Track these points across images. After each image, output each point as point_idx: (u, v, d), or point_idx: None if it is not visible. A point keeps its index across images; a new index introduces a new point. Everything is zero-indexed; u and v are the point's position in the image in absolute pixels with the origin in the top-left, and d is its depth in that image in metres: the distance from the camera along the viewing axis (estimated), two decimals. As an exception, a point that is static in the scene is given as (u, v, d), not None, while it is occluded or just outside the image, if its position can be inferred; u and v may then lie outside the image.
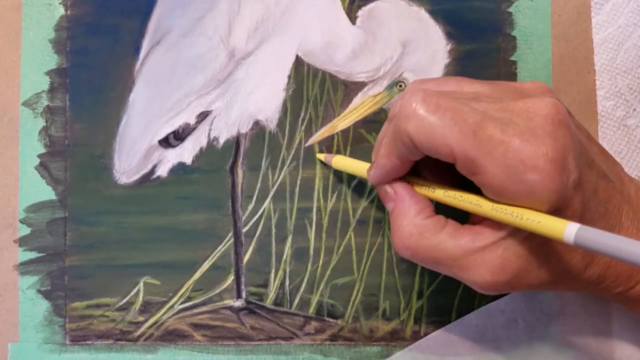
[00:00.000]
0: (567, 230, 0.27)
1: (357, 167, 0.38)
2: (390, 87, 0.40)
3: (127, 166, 0.41)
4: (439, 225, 0.32)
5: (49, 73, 0.41)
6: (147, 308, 0.40)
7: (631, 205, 0.32)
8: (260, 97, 0.41)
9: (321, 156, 0.40)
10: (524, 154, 0.28)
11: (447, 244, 0.32)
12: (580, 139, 0.31)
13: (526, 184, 0.29)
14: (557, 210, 0.29)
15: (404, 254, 0.33)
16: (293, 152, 0.41)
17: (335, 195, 0.41)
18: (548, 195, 0.29)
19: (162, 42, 0.41)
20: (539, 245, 0.31)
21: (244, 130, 0.41)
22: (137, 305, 0.40)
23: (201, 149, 0.41)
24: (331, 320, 0.40)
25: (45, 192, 0.41)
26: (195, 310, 0.40)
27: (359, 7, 0.41)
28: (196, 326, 0.40)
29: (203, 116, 0.41)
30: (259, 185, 0.41)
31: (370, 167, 0.36)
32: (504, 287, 0.31)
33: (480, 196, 0.31)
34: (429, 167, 0.35)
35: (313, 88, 0.41)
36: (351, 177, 0.41)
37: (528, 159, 0.28)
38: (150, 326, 0.40)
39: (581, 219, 0.30)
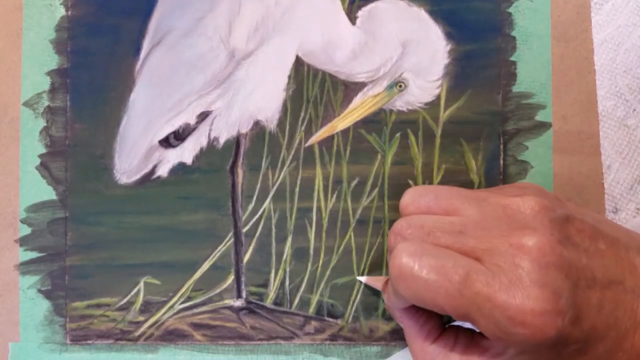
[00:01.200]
0: None
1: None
2: (390, 87, 0.41)
3: (127, 166, 0.41)
4: (448, 346, 0.34)
5: (49, 73, 0.41)
6: (148, 308, 0.40)
7: None
8: (260, 97, 0.41)
9: (362, 279, 0.41)
10: (510, 311, 0.29)
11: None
12: (577, 262, 0.31)
13: (518, 336, 0.29)
14: (557, 345, 0.30)
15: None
16: (293, 152, 0.41)
17: (335, 195, 0.41)
18: (543, 342, 0.29)
19: (162, 43, 0.41)
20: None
21: (244, 131, 0.41)
22: (138, 305, 0.40)
23: (201, 149, 0.41)
24: (331, 320, 0.40)
25: (46, 192, 0.41)
26: (195, 310, 0.41)
27: (359, 7, 0.41)
28: (196, 326, 0.40)
29: (203, 116, 0.41)
30: (259, 185, 0.41)
31: (383, 288, 0.38)
32: None
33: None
34: None
35: (313, 88, 0.41)
36: (351, 177, 0.41)
37: (515, 316, 0.29)
38: (151, 326, 0.40)
39: (587, 342, 0.30)
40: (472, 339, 0.34)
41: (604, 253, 0.31)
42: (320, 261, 0.40)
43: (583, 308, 0.30)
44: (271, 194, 0.41)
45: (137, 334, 0.40)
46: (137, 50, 0.41)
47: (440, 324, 0.35)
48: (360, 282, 0.40)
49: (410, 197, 0.35)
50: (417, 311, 0.35)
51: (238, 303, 0.41)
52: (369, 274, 0.40)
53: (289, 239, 0.41)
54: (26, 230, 0.41)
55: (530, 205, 0.32)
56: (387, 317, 0.40)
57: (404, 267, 0.31)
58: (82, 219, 0.41)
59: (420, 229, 0.33)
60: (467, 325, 0.34)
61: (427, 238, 0.32)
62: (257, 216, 0.41)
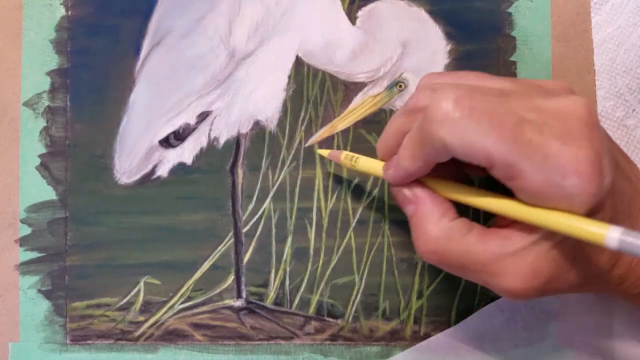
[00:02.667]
0: (610, 234, 0.26)
1: (370, 166, 0.36)
2: (390, 87, 0.41)
3: (127, 166, 0.41)
4: (465, 228, 0.31)
5: (49, 73, 0.41)
6: (148, 308, 0.40)
7: None
8: (260, 98, 0.41)
9: (324, 152, 0.40)
10: (565, 158, 0.28)
11: (476, 248, 0.30)
12: (607, 138, 0.31)
13: (566, 188, 0.28)
14: (591, 213, 0.29)
15: (430, 258, 0.32)
16: (293, 152, 0.41)
17: (335, 195, 0.41)
18: (587, 199, 0.28)
19: (162, 43, 0.41)
20: (570, 249, 0.30)
21: (244, 131, 0.41)
22: (138, 305, 0.40)
23: (201, 149, 0.41)
24: (331, 320, 0.40)
25: (46, 192, 0.41)
26: (195, 310, 0.41)
27: (359, 7, 0.41)
28: (196, 326, 0.40)
29: (203, 116, 0.41)
30: (259, 185, 0.41)
31: (387, 165, 0.34)
32: (534, 293, 0.30)
33: (513, 200, 0.30)
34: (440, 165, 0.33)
35: (313, 88, 0.41)
36: (351, 177, 0.41)
37: (569, 163, 0.28)
38: (151, 326, 0.40)
39: (611, 221, 0.29)
40: (488, 228, 0.32)
41: (619, 154, 0.33)
42: (320, 261, 0.40)
43: (614, 182, 0.29)
44: (271, 194, 0.41)
45: (137, 334, 0.40)
46: (137, 50, 0.41)
47: (456, 210, 0.32)
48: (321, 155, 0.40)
49: (435, 75, 0.33)
50: (432, 192, 0.33)
51: (238, 303, 0.41)
52: (369, 274, 0.40)
53: (289, 239, 0.41)
54: (26, 230, 0.41)
55: (564, 86, 0.31)
56: (387, 317, 0.40)
57: (452, 109, 0.28)
58: (82, 219, 0.41)
59: (457, 88, 0.30)
60: None
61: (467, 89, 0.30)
62: (257, 216, 0.41)
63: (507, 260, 0.30)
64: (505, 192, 0.30)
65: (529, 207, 0.29)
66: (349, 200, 0.41)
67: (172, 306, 0.41)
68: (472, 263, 0.31)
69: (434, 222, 0.31)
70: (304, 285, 0.41)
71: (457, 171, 0.34)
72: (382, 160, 0.35)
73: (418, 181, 0.33)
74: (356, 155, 0.37)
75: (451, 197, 0.32)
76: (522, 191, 0.29)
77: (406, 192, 0.33)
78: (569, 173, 0.28)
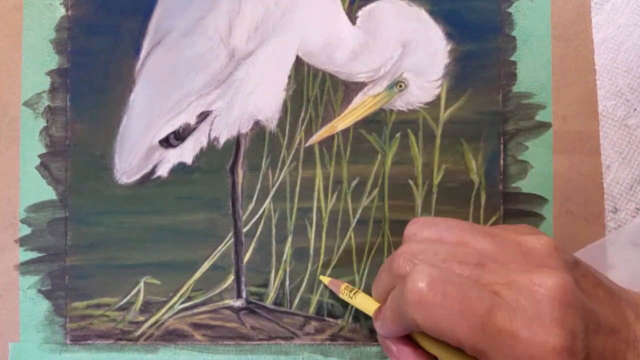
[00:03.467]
0: None
1: (364, 305, 0.37)
2: (390, 87, 0.40)
3: (127, 166, 0.41)
4: None
5: (49, 73, 0.41)
6: (148, 308, 0.40)
7: (636, 350, 0.31)
8: (260, 97, 0.41)
9: (325, 280, 0.40)
10: (533, 350, 0.28)
11: None
12: (587, 305, 0.30)
13: None
14: None
15: None
16: (293, 152, 0.41)
17: (335, 195, 0.41)
18: None
19: (162, 43, 0.41)
20: None
21: (244, 130, 0.41)
22: (138, 305, 0.40)
23: (201, 149, 0.41)
24: (331, 320, 0.40)
25: (46, 192, 0.41)
26: (195, 310, 0.41)
27: (359, 7, 0.41)
28: (196, 326, 0.40)
29: (203, 116, 0.41)
30: (259, 185, 0.41)
31: (375, 316, 0.35)
32: None
33: None
34: None
35: (313, 88, 0.41)
36: (351, 177, 0.41)
37: (537, 355, 0.28)
38: (151, 326, 0.40)
39: None
40: None
41: (603, 301, 0.32)
42: (320, 261, 0.40)
43: (591, 352, 0.30)
44: (271, 194, 0.41)
45: (137, 334, 0.40)
46: (137, 50, 0.41)
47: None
48: (322, 282, 0.40)
49: (419, 226, 0.34)
50: (416, 349, 0.34)
51: (238, 303, 0.41)
52: (369, 274, 0.40)
53: (289, 239, 0.41)
54: (26, 230, 0.41)
55: (544, 244, 0.31)
56: (387, 317, 0.40)
57: (426, 293, 0.30)
58: (82, 219, 0.41)
59: (435, 255, 0.31)
60: None
61: (443, 265, 0.31)
62: (257, 216, 0.41)
63: None
64: None
65: None
66: (349, 200, 0.41)
67: (172, 306, 0.41)
68: None
69: None
70: (304, 285, 0.41)
71: None
72: (377, 300, 0.36)
73: (405, 338, 0.35)
74: (355, 289, 0.38)
75: (436, 354, 0.33)
76: None
77: (392, 346, 0.35)
78: None
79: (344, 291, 0.39)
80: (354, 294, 0.38)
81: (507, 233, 0.33)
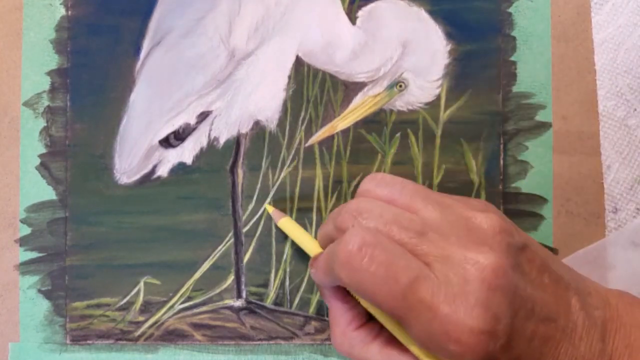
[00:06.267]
0: None
1: (300, 238, 0.38)
2: (390, 87, 0.40)
3: (127, 166, 0.41)
4: (369, 337, 0.34)
5: (49, 73, 0.41)
6: (148, 308, 0.40)
7: (571, 341, 0.31)
8: (260, 97, 0.41)
9: (270, 208, 0.40)
10: (449, 326, 0.29)
11: (375, 358, 0.33)
12: (522, 290, 0.30)
13: (447, 351, 0.29)
14: None
15: (341, 355, 0.35)
16: (293, 152, 0.41)
17: (335, 195, 0.41)
18: None
19: (162, 43, 0.41)
20: None
21: (244, 130, 0.41)
22: (138, 305, 0.40)
23: (201, 149, 0.41)
24: (331, 320, 0.40)
25: (46, 192, 0.41)
26: (195, 310, 0.41)
27: (359, 7, 0.41)
28: (196, 326, 0.40)
29: (203, 116, 0.41)
30: (259, 185, 0.41)
31: (312, 263, 0.36)
32: None
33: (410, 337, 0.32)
34: None
35: (313, 88, 0.41)
36: (351, 177, 0.41)
37: (452, 331, 0.29)
38: (151, 326, 0.40)
39: None
40: (392, 340, 0.33)
41: (547, 288, 0.31)
42: (320, 261, 0.40)
43: (516, 337, 0.30)
44: (271, 194, 0.41)
45: (137, 334, 0.40)
46: (137, 50, 0.41)
47: (365, 315, 0.35)
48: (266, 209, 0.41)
49: (375, 183, 0.34)
50: (347, 295, 0.35)
51: (238, 303, 0.41)
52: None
53: (289, 239, 0.41)
54: (26, 230, 0.41)
55: (492, 224, 0.31)
56: (387, 317, 0.40)
57: (354, 255, 0.30)
58: (82, 219, 0.41)
59: (379, 217, 0.32)
60: None
61: (383, 228, 0.31)
62: (257, 216, 0.41)
63: None
64: None
65: (419, 349, 0.31)
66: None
67: (172, 306, 0.41)
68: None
69: (341, 329, 0.35)
70: (304, 285, 0.41)
71: None
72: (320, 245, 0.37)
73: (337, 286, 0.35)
74: (292, 221, 0.40)
75: (364, 306, 0.34)
76: (412, 337, 0.31)
77: (325, 291, 0.36)
78: (450, 341, 0.29)
79: (284, 224, 0.39)
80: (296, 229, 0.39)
81: (459, 206, 0.32)
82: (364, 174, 0.41)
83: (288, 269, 0.41)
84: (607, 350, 0.31)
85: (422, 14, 0.41)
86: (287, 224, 0.39)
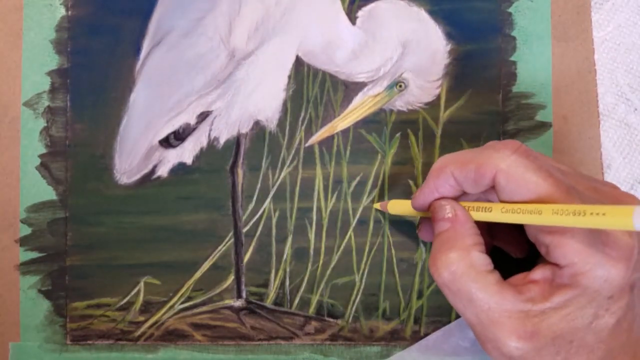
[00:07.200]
0: (637, 213, 0.25)
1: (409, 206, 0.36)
2: (390, 87, 0.40)
3: (127, 166, 0.41)
4: (489, 266, 0.31)
5: (49, 73, 0.41)
6: (148, 308, 0.40)
7: None
8: (260, 98, 0.41)
9: (377, 205, 0.40)
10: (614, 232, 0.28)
11: (491, 289, 0.30)
12: None
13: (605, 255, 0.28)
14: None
15: (443, 280, 0.31)
16: (293, 152, 0.41)
17: (335, 195, 0.41)
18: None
19: (162, 43, 0.41)
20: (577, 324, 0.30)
21: (244, 131, 0.41)
22: (138, 305, 0.40)
23: (201, 149, 0.41)
24: (331, 320, 0.40)
25: (46, 192, 0.41)
26: (195, 310, 0.41)
27: (359, 7, 0.41)
28: (196, 326, 0.40)
29: (203, 116, 0.41)
30: (259, 185, 0.41)
31: (421, 189, 0.34)
32: (526, 353, 0.30)
33: (539, 204, 0.29)
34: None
35: (313, 88, 0.41)
36: (351, 177, 0.41)
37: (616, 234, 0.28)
38: (151, 326, 0.40)
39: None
40: (505, 280, 0.31)
41: None
42: (321, 261, 0.40)
43: None
44: (271, 194, 0.41)
45: (137, 334, 0.40)
46: (137, 50, 0.41)
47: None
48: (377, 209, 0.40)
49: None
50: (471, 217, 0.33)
51: (238, 303, 0.41)
52: (369, 274, 0.40)
53: (289, 239, 0.41)
54: (26, 230, 0.41)
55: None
56: (387, 317, 0.40)
57: (519, 146, 0.30)
58: (82, 219, 0.41)
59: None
60: None
61: None
62: (257, 216, 0.41)
63: (514, 315, 0.30)
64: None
65: (552, 206, 0.28)
66: (349, 200, 0.41)
67: (172, 306, 0.41)
68: (479, 301, 0.30)
69: (464, 248, 0.31)
70: (304, 285, 0.41)
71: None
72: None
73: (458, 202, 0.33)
74: (400, 200, 0.38)
75: (481, 218, 0.32)
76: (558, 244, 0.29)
77: (447, 207, 0.33)
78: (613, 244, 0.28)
79: (393, 206, 0.38)
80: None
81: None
82: (364, 174, 0.41)
83: (288, 269, 0.41)
84: None
85: (422, 14, 0.41)
86: (396, 205, 0.38)
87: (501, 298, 0.30)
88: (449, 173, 0.32)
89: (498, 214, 0.31)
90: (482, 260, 0.31)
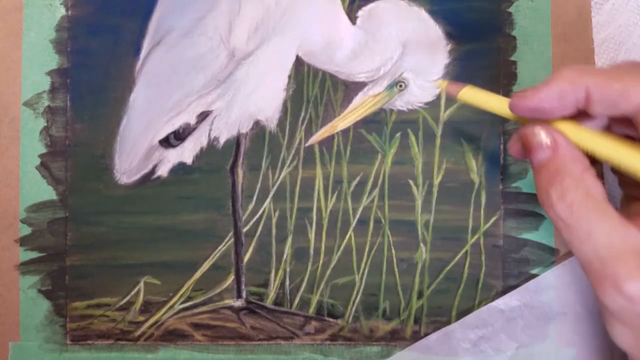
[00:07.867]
0: None
1: (494, 101, 0.32)
2: (390, 87, 0.40)
3: (127, 166, 0.41)
4: (606, 196, 0.28)
5: (49, 73, 0.41)
6: (148, 308, 0.40)
7: None
8: (260, 97, 0.41)
9: (443, 84, 0.37)
10: None
11: (612, 222, 0.27)
12: None
13: None
14: None
15: (559, 215, 0.28)
16: (293, 152, 0.41)
17: (335, 195, 0.41)
18: None
19: (162, 43, 0.41)
20: None
21: (244, 130, 0.41)
22: (138, 305, 0.40)
23: (201, 149, 0.41)
24: (331, 320, 0.40)
25: (46, 192, 0.41)
26: (195, 310, 0.41)
27: (359, 7, 0.41)
28: (196, 326, 0.40)
29: (203, 116, 0.41)
30: (259, 185, 0.41)
31: (520, 93, 0.30)
32: None
33: None
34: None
35: (313, 88, 0.41)
36: (351, 177, 0.41)
37: None
38: (151, 326, 0.40)
39: None
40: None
41: None
42: (321, 261, 0.40)
43: None
44: (271, 194, 0.41)
45: (137, 334, 0.40)
46: (137, 50, 0.41)
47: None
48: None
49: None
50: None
51: (238, 303, 0.41)
52: (369, 274, 0.40)
53: (289, 239, 0.41)
54: (26, 230, 0.41)
55: None
56: (387, 317, 0.40)
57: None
58: (82, 219, 0.41)
59: None
60: None
61: None
62: (257, 216, 0.41)
63: (639, 251, 0.27)
64: None
65: None
66: (349, 200, 0.41)
67: (172, 306, 0.41)
68: (600, 235, 0.27)
69: (576, 175, 0.28)
70: (304, 285, 0.41)
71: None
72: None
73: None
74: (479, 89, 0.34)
75: (588, 148, 0.28)
76: None
77: (543, 134, 0.29)
78: None
79: (465, 94, 0.34)
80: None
81: None
82: (364, 174, 0.41)
83: (288, 269, 0.41)
84: None
85: (422, 14, 0.41)
86: (475, 94, 0.34)
87: (625, 231, 0.27)
88: (582, 85, 0.28)
89: (602, 148, 0.28)
90: (598, 187, 0.28)
